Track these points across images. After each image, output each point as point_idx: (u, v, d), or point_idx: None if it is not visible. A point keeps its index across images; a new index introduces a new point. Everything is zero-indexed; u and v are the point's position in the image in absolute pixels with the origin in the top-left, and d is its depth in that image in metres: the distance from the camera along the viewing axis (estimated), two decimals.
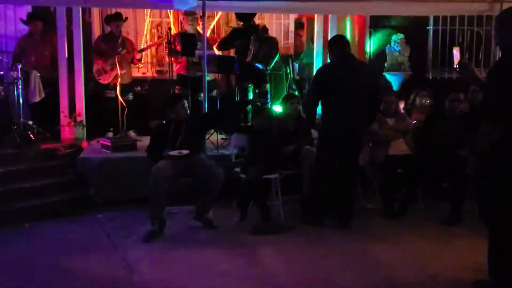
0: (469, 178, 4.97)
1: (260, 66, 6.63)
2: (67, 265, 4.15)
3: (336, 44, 5.04)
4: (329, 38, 7.30)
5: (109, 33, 7.20)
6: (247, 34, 6.68)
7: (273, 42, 6.72)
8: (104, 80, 6.94)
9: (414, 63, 8.05)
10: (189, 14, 6.93)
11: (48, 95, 6.74)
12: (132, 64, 7.31)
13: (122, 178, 5.72)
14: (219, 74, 7.27)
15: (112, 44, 6.94)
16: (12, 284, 3.85)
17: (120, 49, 6.89)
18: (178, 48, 6.82)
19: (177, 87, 6.91)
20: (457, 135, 5.27)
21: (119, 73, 6.73)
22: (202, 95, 6.22)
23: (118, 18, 7.05)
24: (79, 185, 5.80)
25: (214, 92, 6.90)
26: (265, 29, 7.10)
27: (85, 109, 6.83)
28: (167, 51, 7.04)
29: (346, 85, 4.84)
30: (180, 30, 7.55)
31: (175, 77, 7.00)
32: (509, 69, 3.28)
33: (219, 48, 7.06)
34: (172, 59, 6.91)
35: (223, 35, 8.41)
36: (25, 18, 7.07)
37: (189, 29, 7.00)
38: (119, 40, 6.98)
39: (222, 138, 6.44)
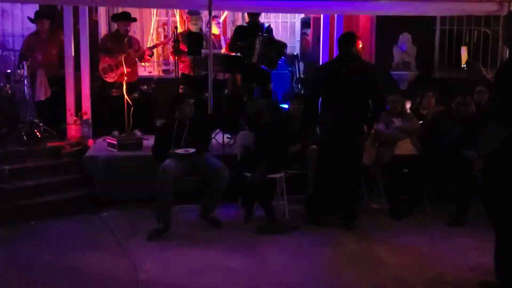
0: (475, 179, 4.95)
1: (265, 68, 6.63)
2: (72, 263, 4.16)
3: (340, 43, 5.03)
4: (335, 37, 7.33)
5: (116, 31, 7.21)
6: (252, 33, 6.66)
7: (279, 46, 6.69)
8: (110, 78, 6.95)
9: (421, 63, 8.02)
10: (193, 13, 6.92)
11: (54, 93, 6.76)
12: (138, 63, 7.32)
13: (127, 176, 5.73)
14: (226, 74, 7.26)
15: (118, 43, 6.95)
16: (17, 282, 3.86)
17: (126, 48, 6.89)
18: (182, 47, 6.82)
19: (181, 86, 6.91)
20: (463, 136, 5.24)
21: (125, 72, 6.74)
22: (207, 94, 6.22)
23: (125, 18, 7.05)
24: (84, 184, 5.81)
25: (226, 91, 6.89)
26: (269, 29, 7.09)
27: (91, 108, 6.85)
28: (171, 50, 7.05)
29: (342, 84, 4.83)
30: (185, 29, 7.55)
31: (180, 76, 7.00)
32: None
33: (229, 50, 7.05)
34: (177, 58, 6.90)
35: (229, 34, 8.42)
36: (32, 17, 7.09)
37: (192, 28, 6.99)
38: (125, 39, 6.99)
39: (228, 138, 6.44)
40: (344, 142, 4.90)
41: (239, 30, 7.07)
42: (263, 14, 7.49)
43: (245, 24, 7.18)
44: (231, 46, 6.93)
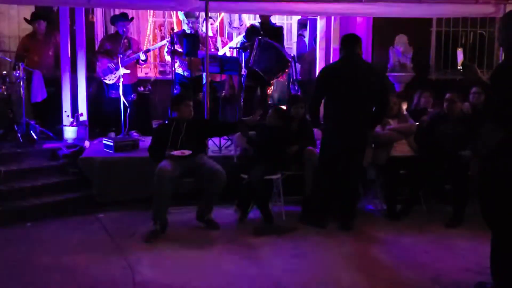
0: (471, 180, 4.96)
1: (261, 73, 6.52)
2: (68, 264, 4.14)
3: (343, 44, 5.02)
4: (332, 39, 7.34)
5: (115, 33, 7.20)
6: (259, 33, 6.62)
7: (278, 55, 6.47)
8: (110, 80, 6.94)
9: (417, 65, 8.04)
10: (189, 15, 6.92)
11: (50, 95, 6.75)
12: (137, 65, 7.31)
13: (124, 178, 5.72)
14: (223, 75, 7.25)
15: (117, 44, 6.93)
16: (13, 284, 3.84)
17: (123, 50, 6.88)
18: (177, 47, 6.79)
19: (176, 87, 6.89)
20: (459, 137, 5.25)
21: (121, 73, 6.73)
22: (201, 95, 6.20)
23: (124, 18, 7.04)
24: (81, 185, 5.80)
25: (222, 93, 6.87)
26: (280, 30, 7.04)
27: (88, 109, 6.84)
28: (166, 51, 7.04)
29: (347, 86, 4.82)
30: (181, 29, 7.55)
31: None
32: None
33: (240, 49, 7.03)
34: (175, 58, 6.89)
35: (225, 35, 8.43)
36: (28, 18, 7.07)
37: (187, 29, 6.99)
38: (125, 40, 6.98)
39: (225, 139, 6.44)
40: (347, 143, 4.90)
41: (250, 29, 7.05)
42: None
43: (257, 24, 7.15)
44: (242, 44, 6.92)
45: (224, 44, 7.63)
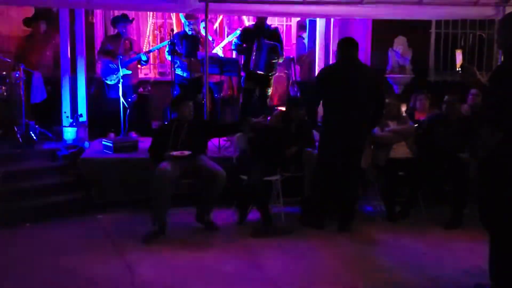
0: (470, 182, 4.97)
1: (262, 72, 6.55)
2: (68, 265, 4.15)
3: (342, 46, 5.04)
4: (331, 40, 7.36)
5: (116, 34, 7.21)
6: (256, 36, 6.63)
7: (271, 48, 6.58)
8: (111, 80, 6.94)
9: (416, 66, 8.05)
10: (190, 17, 6.93)
11: (50, 95, 6.75)
12: (138, 66, 7.30)
13: (123, 179, 5.72)
14: (221, 76, 7.26)
15: (119, 45, 6.93)
16: (12, 284, 3.85)
17: (124, 50, 6.88)
18: (177, 49, 6.80)
19: (175, 88, 6.89)
20: (458, 139, 5.27)
21: (122, 74, 6.73)
22: (200, 96, 6.18)
23: (125, 19, 7.04)
24: (80, 186, 5.79)
25: (220, 94, 6.88)
26: (276, 32, 7.04)
27: (87, 110, 6.84)
28: (167, 50, 7.04)
29: (346, 87, 4.84)
30: (181, 30, 7.55)
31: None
32: (511, 73, 3.28)
33: (237, 52, 7.03)
34: (174, 59, 6.89)
35: (225, 37, 8.43)
36: (28, 19, 7.07)
37: (187, 30, 6.99)
38: (126, 41, 6.98)
39: (224, 140, 6.44)
40: (346, 144, 4.91)
41: (244, 32, 7.06)
42: None
43: (250, 26, 7.13)
44: (237, 47, 6.93)
45: (216, 44, 7.63)
